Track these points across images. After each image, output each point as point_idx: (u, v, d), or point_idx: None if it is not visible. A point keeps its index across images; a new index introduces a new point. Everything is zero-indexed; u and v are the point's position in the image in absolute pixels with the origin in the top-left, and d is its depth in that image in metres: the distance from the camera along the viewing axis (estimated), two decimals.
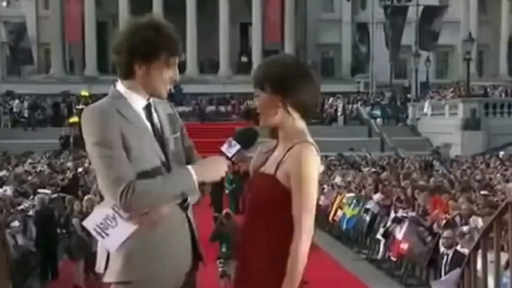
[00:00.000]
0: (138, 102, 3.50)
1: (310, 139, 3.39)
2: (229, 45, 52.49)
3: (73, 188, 20.04)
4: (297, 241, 3.29)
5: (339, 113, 43.99)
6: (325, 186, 20.93)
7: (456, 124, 36.67)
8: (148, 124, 3.51)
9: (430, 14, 49.72)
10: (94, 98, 39.68)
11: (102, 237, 3.44)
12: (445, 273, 10.24)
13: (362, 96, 47.62)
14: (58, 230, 14.73)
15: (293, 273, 3.28)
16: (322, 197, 20.36)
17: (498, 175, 21.52)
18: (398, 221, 14.21)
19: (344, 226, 17.54)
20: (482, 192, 15.09)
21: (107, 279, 3.51)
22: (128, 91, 3.49)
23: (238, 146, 3.35)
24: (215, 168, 3.45)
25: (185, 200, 3.49)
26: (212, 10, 52.31)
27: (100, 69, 50.57)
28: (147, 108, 3.54)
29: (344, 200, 18.14)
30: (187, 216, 3.55)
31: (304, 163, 3.31)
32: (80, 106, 36.63)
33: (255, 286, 3.39)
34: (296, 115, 3.42)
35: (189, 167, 3.44)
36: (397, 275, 14.08)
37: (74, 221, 14.15)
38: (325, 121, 42.49)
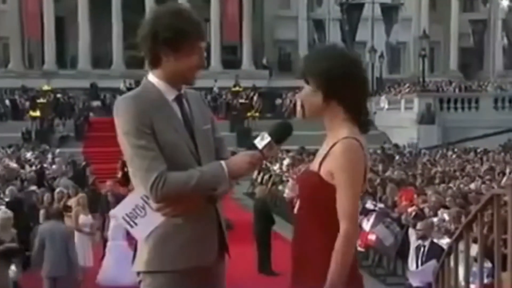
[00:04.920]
0: (169, 92, 3.47)
1: (354, 134, 3.26)
2: None
3: (40, 181, 20.09)
4: (341, 237, 3.17)
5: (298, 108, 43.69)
6: (289, 179, 21.21)
7: (411, 118, 37.07)
8: (179, 115, 3.48)
9: (388, 14, 50.42)
10: (55, 92, 39.79)
11: (131, 226, 3.43)
12: (422, 264, 10.13)
13: None
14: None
15: (337, 267, 3.16)
16: (286, 190, 20.67)
17: (456, 167, 22.22)
18: (365, 212, 14.38)
19: None
20: (450, 184, 15.49)
21: (135, 268, 3.51)
22: (159, 82, 3.46)
23: (268, 139, 3.33)
24: (247, 162, 3.41)
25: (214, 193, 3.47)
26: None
27: (59, 64, 49.88)
28: (178, 99, 3.50)
29: None
30: (215, 208, 3.54)
31: (345, 161, 3.20)
32: (42, 100, 36.33)
33: (313, 283, 3.27)
34: (341, 111, 3.30)
35: (222, 162, 3.39)
36: (365, 265, 14.14)
37: (41, 213, 14.29)
38: (284, 116, 42.70)
